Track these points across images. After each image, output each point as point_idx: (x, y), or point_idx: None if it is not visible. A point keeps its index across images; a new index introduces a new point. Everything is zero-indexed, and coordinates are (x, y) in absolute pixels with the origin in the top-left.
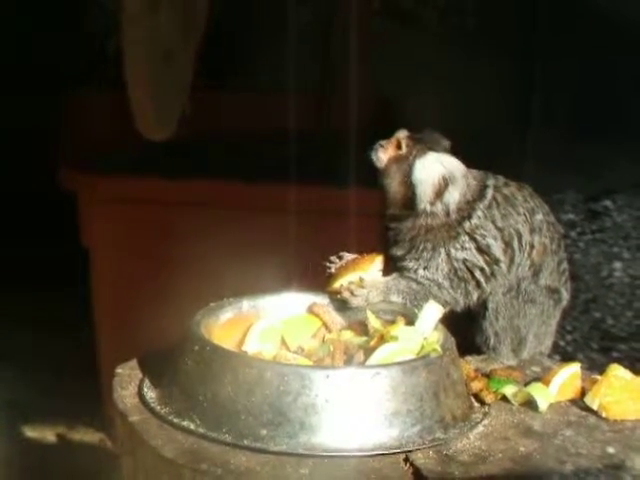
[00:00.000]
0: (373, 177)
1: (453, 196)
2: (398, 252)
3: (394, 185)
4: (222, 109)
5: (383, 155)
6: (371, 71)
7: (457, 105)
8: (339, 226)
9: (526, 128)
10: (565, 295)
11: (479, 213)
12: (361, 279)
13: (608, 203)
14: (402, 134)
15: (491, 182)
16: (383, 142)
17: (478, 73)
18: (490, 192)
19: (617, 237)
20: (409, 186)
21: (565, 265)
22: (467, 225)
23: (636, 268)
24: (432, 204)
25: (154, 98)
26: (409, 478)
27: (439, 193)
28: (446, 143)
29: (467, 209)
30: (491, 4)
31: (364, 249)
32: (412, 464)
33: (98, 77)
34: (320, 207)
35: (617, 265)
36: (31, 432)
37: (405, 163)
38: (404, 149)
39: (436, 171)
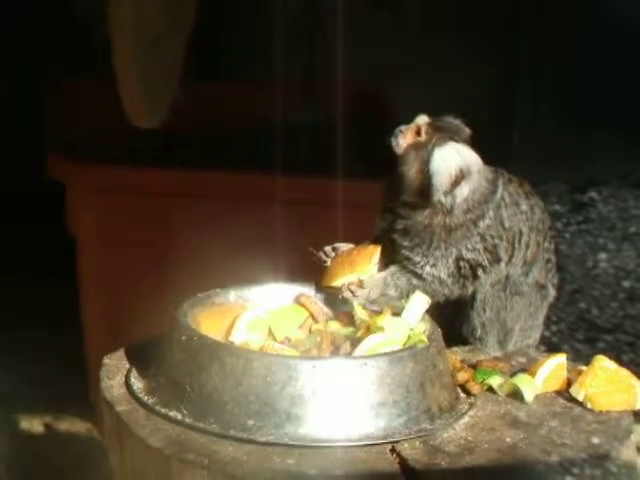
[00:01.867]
0: (358, 167)
1: (463, 191)
2: (405, 242)
3: (411, 173)
4: (211, 99)
5: (402, 141)
6: (355, 61)
7: (441, 97)
8: (328, 217)
9: (512, 119)
10: (552, 291)
11: (490, 213)
12: (360, 280)
13: (594, 194)
14: (422, 120)
15: (500, 180)
16: (403, 127)
17: (463, 65)
18: (500, 191)
19: (602, 228)
20: (425, 175)
21: (553, 261)
22: (481, 225)
23: (621, 259)
24: (445, 195)
25: (143, 85)
26: (395, 468)
27: (454, 185)
28: (466, 132)
29: (480, 208)
30: None
31: (355, 240)
32: (398, 454)
33: (87, 63)
34: (309, 198)
35: (602, 256)
36: (18, 422)
37: (424, 151)
38: (423, 136)
39: (454, 162)
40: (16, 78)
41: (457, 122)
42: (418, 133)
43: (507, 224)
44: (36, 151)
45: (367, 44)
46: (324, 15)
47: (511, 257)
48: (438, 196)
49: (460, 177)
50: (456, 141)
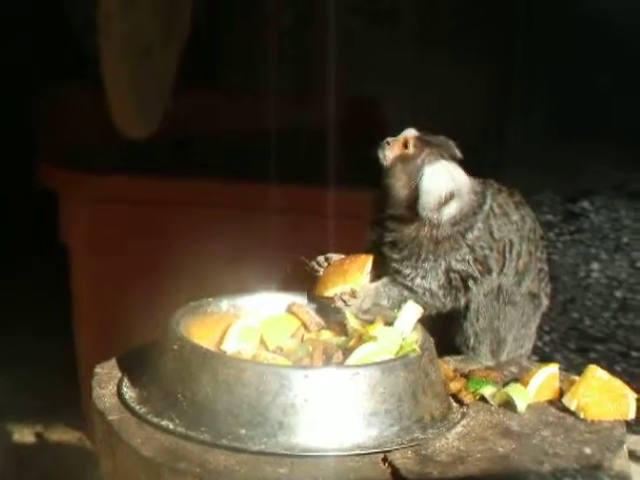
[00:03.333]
0: (353, 177)
1: (450, 210)
2: (394, 255)
3: (398, 186)
4: (205, 107)
5: (389, 153)
6: (349, 70)
7: (436, 105)
8: (321, 226)
9: (505, 129)
10: (545, 301)
11: (479, 225)
12: (353, 290)
13: (586, 204)
14: (410, 133)
15: (489, 192)
16: (390, 139)
17: (457, 73)
18: (488, 202)
19: (595, 238)
20: (414, 190)
21: (545, 270)
22: (469, 237)
23: (614, 269)
24: (432, 213)
25: (132, 95)
26: (387, 478)
27: (441, 205)
28: (453, 148)
29: (468, 221)
30: (471, 4)
31: (347, 249)
32: (391, 464)
33: (79, 74)
34: (302, 206)
35: (595, 266)
36: (9, 431)
37: (412, 164)
38: (411, 149)
39: (444, 184)
40: (12, 83)
41: (442, 137)
42: (405, 145)
43: (497, 235)
44: (33, 154)
45: (361, 49)
46: (319, 23)
47: (502, 267)
48: (425, 213)
49: (449, 198)
50: (445, 159)
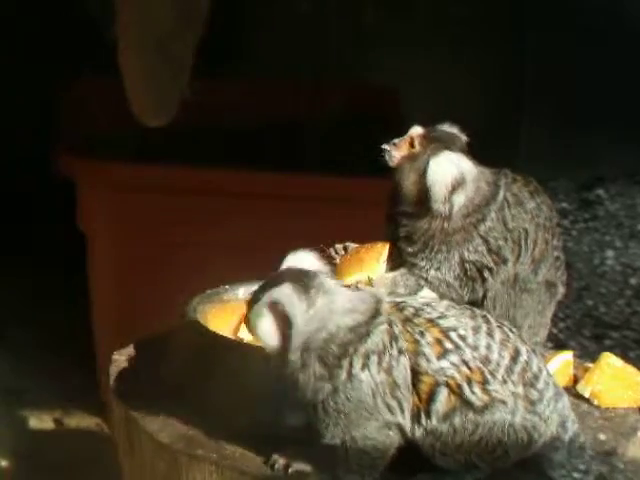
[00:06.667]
0: (370, 165)
1: (459, 199)
2: (409, 248)
3: (407, 184)
4: (224, 96)
5: (396, 153)
6: (361, 60)
7: (449, 94)
8: (339, 214)
9: (520, 117)
10: (561, 289)
11: (492, 215)
12: (370, 279)
13: (601, 192)
14: (416, 132)
15: (502, 181)
16: (396, 140)
17: (470, 62)
18: (502, 192)
19: (609, 225)
20: (422, 185)
21: (562, 258)
22: (482, 228)
23: (628, 256)
24: (443, 204)
25: (149, 84)
26: None
27: (450, 194)
28: (462, 140)
29: (481, 211)
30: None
31: (365, 238)
32: None
33: (98, 62)
34: (320, 195)
35: (609, 253)
36: (28, 417)
37: (419, 161)
38: (417, 147)
39: (449, 172)
40: (23, 76)
41: (452, 131)
42: (412, 144)
43: (510, 225)
44: (38, 149)
45: (374, 43)
46: (335, 14)
47: (518, 257)
48: (437, 206)
49: (456, 186)
50: (451, 150)
